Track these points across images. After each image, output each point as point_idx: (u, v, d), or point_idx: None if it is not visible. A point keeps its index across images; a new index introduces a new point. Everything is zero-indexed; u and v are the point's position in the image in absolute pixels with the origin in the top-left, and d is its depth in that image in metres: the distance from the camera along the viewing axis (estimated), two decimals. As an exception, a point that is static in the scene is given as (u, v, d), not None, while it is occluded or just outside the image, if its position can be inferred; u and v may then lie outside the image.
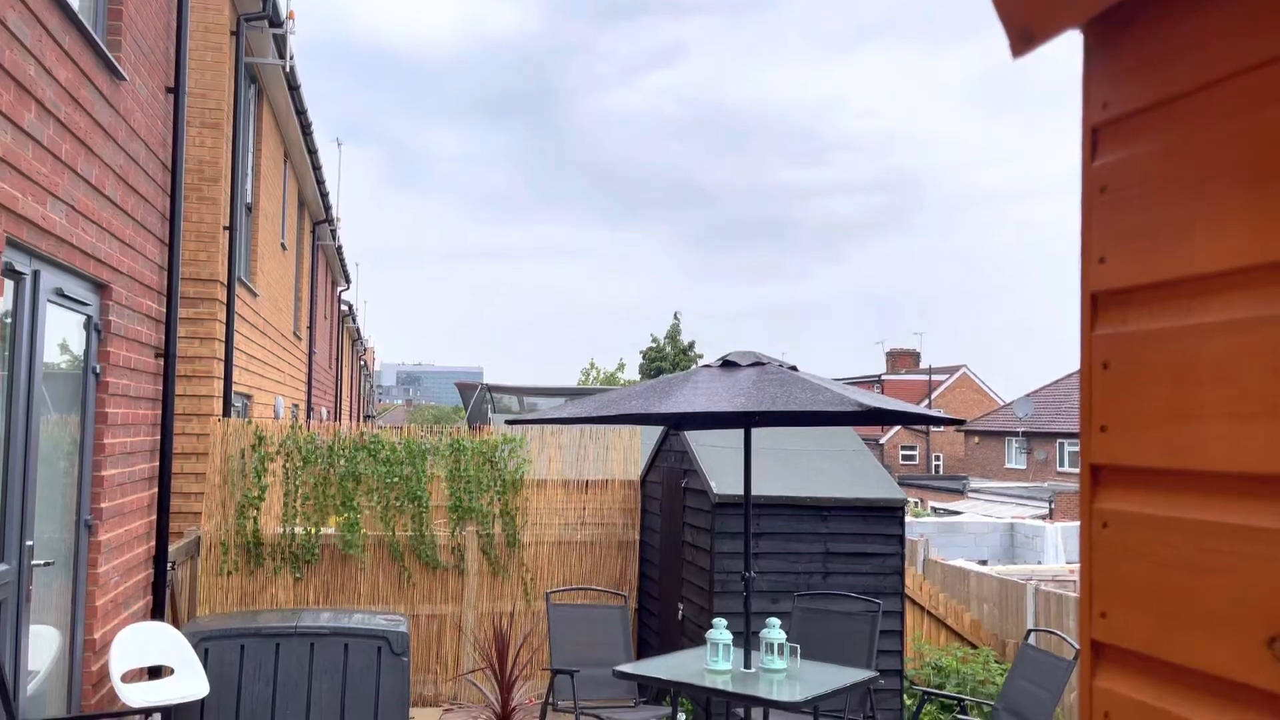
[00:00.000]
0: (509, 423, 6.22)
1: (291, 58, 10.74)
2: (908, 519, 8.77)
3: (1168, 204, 0.94)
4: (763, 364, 5.64)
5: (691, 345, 43.97)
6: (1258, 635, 0.84)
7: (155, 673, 6.41)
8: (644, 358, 44.38)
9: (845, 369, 65.93)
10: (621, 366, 46.32)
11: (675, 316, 44.86)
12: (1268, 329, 0.84)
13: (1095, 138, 1.04)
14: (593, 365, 47.24)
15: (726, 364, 5.68)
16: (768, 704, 5.34)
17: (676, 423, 6.72)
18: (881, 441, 49.16)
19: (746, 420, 5.99)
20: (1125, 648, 0.99)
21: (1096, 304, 1.08)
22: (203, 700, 6.12)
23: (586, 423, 6.61)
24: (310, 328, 17.02)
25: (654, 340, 44.44)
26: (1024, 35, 0.98)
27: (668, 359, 43.30)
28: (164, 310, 7.14)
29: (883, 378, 57.28)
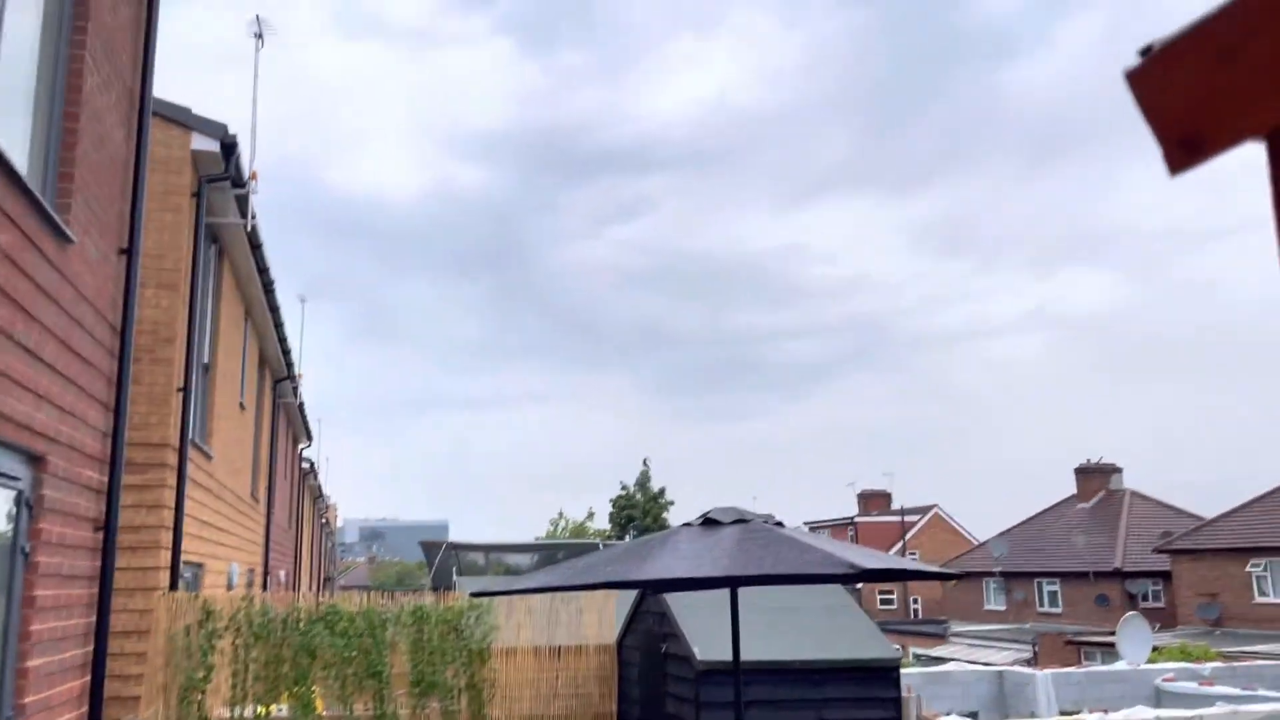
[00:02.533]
0: (474, 595, 5.78)
1: (254, 217, 10.65)
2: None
3: None
4: (746, 521, 5.31)
5: (662, 492, 43.34)
6: None
7: None
8: (614, 506, 43.62)
9: (818, 511, 65.21)
10: (591, 515, 45.49)
11: (645, 463, 44.40)
12: None
13: None
14: (561, 515, 46.39)
15: (708, 522, 5.34)
16: None
17: (657, 586, 6.32)
18: (859, 586, 48.17)
19: (732, 582, 5.61)
20: None
21: None
22: None
23: (558, 590, 6.18)
24: (269, 488, 16.44)
25: (624, 488, 43.81)
26: (1190, 146, 0.73)
27: (638, 507, 42.57)
28: (106, 480, 6.70)
29: (856, 520, 56.73)
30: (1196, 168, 0.74)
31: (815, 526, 56.13)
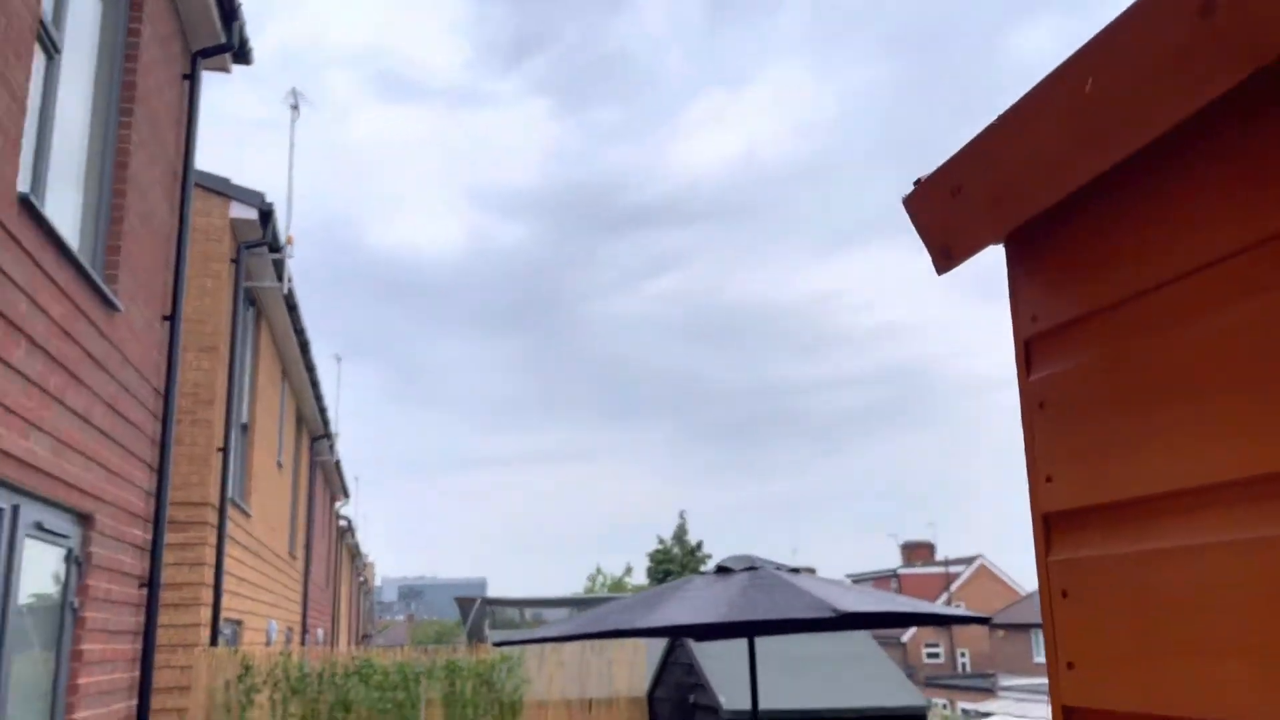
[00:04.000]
0: (497, 644, 5.96)
1: (290, 280, 11.08)
2: (929, 727, 8.29)
3: (1112, 419, 0.89)
4: (756, 568, 5.46)
5: (699, 545, 43.08)
6: None
7: None
8: (651, 560, 43.41)
9: (861, 564, 64.37)
10: (629, 571, 45.31)
11: (681, 516, 44.17)
12: (1228, 555, 0.76)
13: (1028, 351, 1.00)
14: (599, 571, 46.26)
15: (721, 570, 5.50)
16: None
17: (677, 633, 6.46)
18: (904, 640, 47.43)
19: (749, 630, 5.74)
20: None
21: (1049, 526, 1.01)
22: None
23: (570, 640, 6.34)
24: (307, 546, 16.74)
25: (661, 542, 43.61)
26: (944, 254, 0.96)
27: (675, 560, 42.35)
28: (150, 538, 7.00)
29: (899, 572, 55.98)
30: (954, 269, 0.98)
31: (858, 579, 55.43)
